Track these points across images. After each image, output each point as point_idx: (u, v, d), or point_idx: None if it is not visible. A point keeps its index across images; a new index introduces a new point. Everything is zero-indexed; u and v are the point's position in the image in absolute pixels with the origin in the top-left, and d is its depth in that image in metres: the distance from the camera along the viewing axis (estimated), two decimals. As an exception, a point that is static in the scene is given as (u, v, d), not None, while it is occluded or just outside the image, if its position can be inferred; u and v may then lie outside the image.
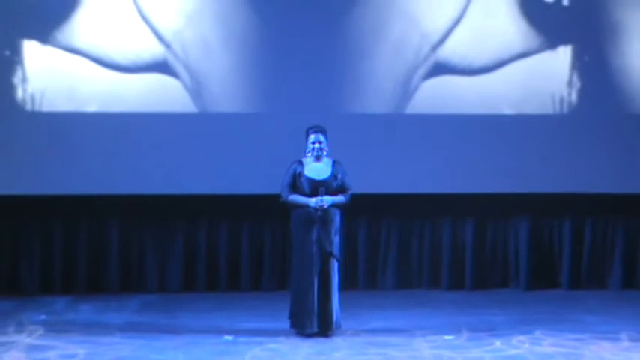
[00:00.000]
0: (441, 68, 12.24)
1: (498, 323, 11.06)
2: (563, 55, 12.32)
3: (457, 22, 12.21)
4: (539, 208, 12.58)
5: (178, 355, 9.85)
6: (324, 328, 10.32)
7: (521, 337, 10.46)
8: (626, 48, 12.35)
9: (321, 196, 10.23)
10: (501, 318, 11.29)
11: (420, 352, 10.04)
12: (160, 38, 12.00)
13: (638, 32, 12.35)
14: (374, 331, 10.68)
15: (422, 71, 12.21)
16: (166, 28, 12.03)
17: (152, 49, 12.06)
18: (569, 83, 12.29)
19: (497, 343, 10.32)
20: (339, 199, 10.33)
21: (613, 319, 11.22)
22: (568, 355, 9.99)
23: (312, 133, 10.37)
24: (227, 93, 12.18)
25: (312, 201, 10.22)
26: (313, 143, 10.32)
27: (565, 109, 12.31)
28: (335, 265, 10.41)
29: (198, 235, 12.50)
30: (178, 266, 12.49)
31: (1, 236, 12.28)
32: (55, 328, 10.78)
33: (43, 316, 11.18)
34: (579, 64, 12.31)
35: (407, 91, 12.21)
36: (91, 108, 11.96)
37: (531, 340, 10.41)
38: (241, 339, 10.37)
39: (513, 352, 10.06)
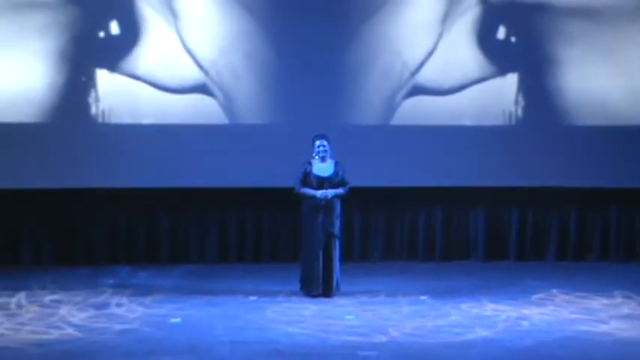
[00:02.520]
0: (418, 90, 12.27)
1: (462, 287, 11.20)
2: (511, 79, 12.38)
3: (430, 54, 12.25)
4: (493, 197, 12.63)
5: (214, 310, 10.03)
6: (327, 291, 10.55)
7: (481, 297, 10.59)
8: (560, 74, 12.39)
9: (325, 189, 10.47)
10: (465, 283, 11.40)
11: (401, 308, 10.20)
12: (200, 67, 12.07)
13: (568, 62, 12.35)
14: (366, 293, 10.80)
15: (403, 92, 12.27)
16: (204, 59, 12.08)
17: (194, 75, 12.10)
18: (516, 102, 12.37)
19: (464, 302, 10.43)
20: (340, 191, 10.52)
21: (551, 283, 11.26)
22: (517, 309, 10.11)
23: (317, 139, 10.54)
24: (251, 108, 12.25)
25: (319, 193, 10.44)
26: (318, 147, 10.50)
27: (513, 122, 12.39)
28: (336, 243, 10.63)
29: (229, 218, 12.53)
30: (214, 243, 12.54)
31: (78, 220, 12.22)
32: (120, 290, 10.89)
33: (111, 281, 11.30)
34: (523, 86, 12.37)
35: (391, 107, 12.30)
36: (147, 121, 12.04)
37: (489, 299, 10.54)
38: (263, 299, 10.53)
39: (475, 310, 10.16)
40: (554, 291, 10.95)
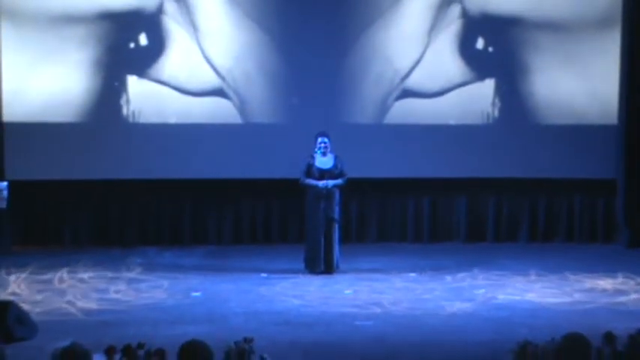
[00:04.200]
0: (407, 93, 12.20)
1: (447, 265, 11.19)
2: (488, 84, 12.32)
3: (418, 62, 12.18)
4: (473, 187, 12.56)
5: (230, 286, 10.14)
6: (328, 268, 10.61)
7: (463, 274, 10.67)
8: (531, 80, 12.33)
9: (326, 180, 10.53)
10: (449, 262, 11.37)
11: (394, 284, 10.33)
12: (218, 73, 12.02)
13: (538, 69, 12.28)
14: (362, 270, 10.88)
15: (394, 95, 12.21)
16: (221, 66, 12.01)
17: (212, 81, 12.03)
18: (493, 103, 12.32)
19: (448, 278, 10.53)
20: (339, 181, 10.59)
21: (523, 261, 11.32)
22: (494, 285, 10.22)
23: (319, 136, 10.61)
24: (261, 109, 12.20)
25: (320, 183, 10.51)
26: (320, 143, 10.57)
27: (490, 121, 12.35)
28: (336, 227, 10.70)
29: (242, 205, 12.44)
30: (229, 226, 12.43)
31: (111, 206, 12.19)
32: (148, 268, 10.96)
33: (140, 260, 11.31)
34: (499, 90, 12.32)
35: (384, 108, 12.24)
36: (172, 120, 12.00)
37: (470, 276, 10.63)
38: (273, 275, 10.59)
39: (457, 284, 10.28)
40: (526, 269, 10.94)
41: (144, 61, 11.93)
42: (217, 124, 12.09)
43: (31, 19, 11.65)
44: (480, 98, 12.32)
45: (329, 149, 10.64)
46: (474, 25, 12.22)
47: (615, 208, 12.59)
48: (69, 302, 9.45)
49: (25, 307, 8.72)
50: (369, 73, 12.20)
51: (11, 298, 9.03)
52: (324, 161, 10.65)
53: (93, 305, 9.41)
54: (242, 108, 12.14)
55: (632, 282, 10.37)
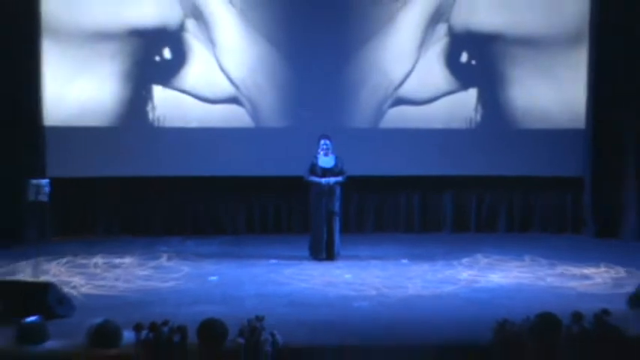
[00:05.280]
0: (400, 101, 12.20)
1: (436, 253, 11.19)
2: (471, 93, 12.30)
3: (409, 74, 12.18)
4: (459, 183, 12.57)
5: (243, 271, 10.13)
6: (330, 256, 10.61)
7: (449, 261, 10.66)
8: (509, 89, 12.34)
9: (328, 177, 10.53)
10: (437, 250, 11.37)
11: (388, 269, 10.26)
12: (233, 83, 12.01)
13: (515, 80, 12.29)
14: (360, 257, 10.87)
15: (389, 102, 12.20)
16: (236, 77, 12.01)
17: (228, 90, 12.03)
18: (476, 110, 12.32)
19: (435, 263, 10.50)
20: (339, 179, 10.57)
21: (502, 249, 11.30)
22: (481, 269, 10.25)
23: (322, 138, 10.62)
24: (271, 115, 12.18)
25: (323, 180, 10.50)
26: (323, 145, 10.58)
27: (473, 125, 12.35)
28: (336, 219, 10.69)
29: (254, 200, 12.43)
30: (243, 219, 12.44)
31: (139, 200, 12.21)
32: (172, 255, 10.94)
33: (165, 248, 11.29)
34: (481, 99, 12.31)
35: (379, 114, 12.23)
36: (193, 125, 11.98)
37: (457, 262, 10.61)
38: (281, 262, 10.58)
39: (444, 269, 10.25)
40: (505, 256, 10.96)
41: (168, 73, 11.93)
42: (232, 128, 12.07)
43: (70, 36, 11.66)
44: (463, 105, 12.31)
45: (330, 150, 10.63)
46: (459, 41, 12.20)
47: (583, 202, 12.56)
48: (102, 285, 9.46)
49: (64, 288, 8.73)
50: (366, 83, 12.18)
51: (52, 280, 9.00)
52: (326, 161, 10.64)
53: (123, 287, 9.44)
54: (254, 114, 12.12)
55: (596, 268, 10.35)
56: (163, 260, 10.71)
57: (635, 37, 12.01)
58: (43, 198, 10.10)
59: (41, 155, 11.59)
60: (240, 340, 7.17)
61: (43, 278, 9.32)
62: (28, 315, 7.42)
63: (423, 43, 12.15)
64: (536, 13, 12.18)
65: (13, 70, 11.42)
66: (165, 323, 7.26)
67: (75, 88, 11.74)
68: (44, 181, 10.18)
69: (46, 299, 8.25)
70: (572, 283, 9.71)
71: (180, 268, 10.31)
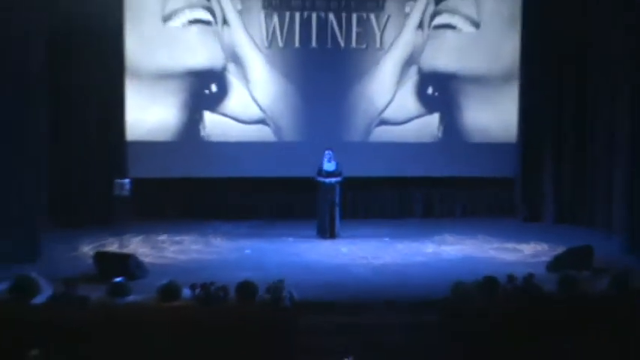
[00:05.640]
0: (383, 122, 12.08)
1: (410, 233, 11.07)
2: (435, 117, 12.14)
3: (390, 102, 12.08)
4: (425, 181, 12.40)
5: (269, 246, 10.20)
6: (332, 235, 10.65)
7: (420, 238, 10.69)
8: (463, 114, 12.23)
9: (330, 178, 10.59)
10: (411, 231, 11.24)
11: (375, 245, 10.32)
12: (261, 109, 11.92)
13: (467, 107, 12.18)
14: (354, 236, 10.83)
15: (375, 123, 12.10)
16: (264, 105, 11.91)
17: (257, 114, 11.92)
18: (438, 129, 12.18)
19: (409, 241, 10.52)
20: (339, 179, 10.64)
21: (457, 230, 11.25)
22: (440, 245, 10.31)
23: (326, 150, 10.68)
24: (289, 132, 12.06)
25: (327, 180, 10.58)
26: (327, 154, 10.65)
27: (436, 140, 12.22)
28: (337, 208, 10.73)
29: (277, 194, 12.17)
30: (269, 208, 12.18)
31: (194, 195, 11.99)
32: (217, 235, 10.90)
33: (212, 229, 11.20)
34: (442, 121, 12.16)
35: (368, 131, 12.12)
36: (232, 139, 11.85)
37: (425, 239, 10.64)
38: (297, 240, 10.62)
39: (416, 245, 10.29)
40: (459, 235, 10.97)
41: (214, 102, 11.86)
42: (260, 142, 11.99)
43: (145, 74, 11.62)
44: (429, 125, 12.21)
45: (332, 158, 10.67)
46: (426, 79, 12.14)
47: (515, 195, 12.50)
48: (167, 256, 9.58)
49: (141, 258, 8.87)
50: (358, 108, 12.10)
51: (132, 252, 9.17)
52: (329, 166, 10.68)
53: (183, 257, 9.57)
54: (276, 131, 12.06)
55: (526, 244, 10.37)
56: (211, 238, 10.73)
57: (553, 74, 11.98)
58: (126, 193, 10.22)
59: (124, 161, 11.48)
60: (267, 297, 7.23)
61: (126, 250, 9.46)
62: (117, 276, 7.49)
63: (400, 80, 12.10)
64: (480, 58, 12.10)
65: (105, 99, 11.41)
66: (212, 284, 7.31)
67: (149, 113, 11.67)
68: (126, 181, 10.33)
69: (128, 265, 8.38)
70: (508, 255, 9.82)
71: (223, 243, 10.39)
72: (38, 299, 7.06)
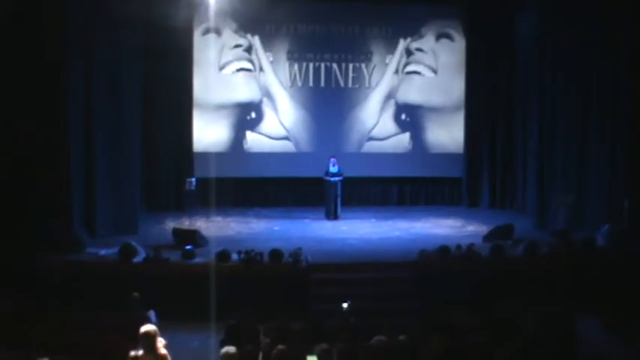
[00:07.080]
0: (371, 138, 11.94)
1: (390, 216, 10.73)
2: (407, 135, 12.03)
3: (375, 124, 11.98)
4: (400, 180, 12.13)
5: (291, 225, 10.12)
6: (335, 217, 10.52)
7: (396, 220, 10.44)
8: (426, 133, 12.06)
9: (334, 178, 10.49)
10: (391, 215, 10.95)
11: (364, 224, 10.15)
12: (285, 129, 11.82)
13: (429, 128, 11.98)
14: (351, 218, 10.68)
15: (365, 138, 11.96)
16: (288, 126, 11.78)
17: (283, 133, 11.79)
18: (409, 143, 12.04)
19: (388, 221, 10.32)
20: (340, 178, 10.54)
21: (421, 215, 10.98)
22: (410, 223, 10.20)
23: (331, 157, 10.61)
24: (305, 145, 11.88)
25: (332, 179, 10.48)
26: (331, 160, 10.56)
27: (408, 152, 12.07)
28: (339, 199, 10.61)
29: (296, 189, 11.88)
30: (291, 198, 11.84)
31: (237, 189, 11.48)
32: (255, 216, 10.64)
33: (252, 213, 10.92)
34: (412, 138, 12.03)
35: (360, 145, 11.96)
36: (266, 150, 11.73)
37: (400, 220, 10.46)
38: (311, 221, 10.45)
39: (393, 224, 10.09)
40: (422, 218, 10.82)
41: (253, 124, 11.74)
42: (285, 152, 11.86)
43: (206, 107, 11.56)
44: (403, 141, 12.08)
45: (336, 163, 10.62)
46: (400, 109, 12.02)
47: (462, 188, 12.31)
48: (222, 231, 9.59)
49: (203, 232, 8.90)
50: (353, 129, 11.96)
51: (197, 228, 9.17)
52: (333, 169, 10.61)
53: (231, 232, 9.61)
54: (296, 145, 11.93)
55: (469, 224, 10.29)
56: (251, 219, 10.66)
57: (488, 105, 11.93)
58: (193, 188, 10.31)
59: (192, 165, 11.32)
60: (289, 260, 7.32)
61: (193, 227, 9.41)
62: (187, 245, 7.58)
63: (382, 109, 12.00)
64: (438, 95, 11.98)
65: (179, 123, 11.46)
66: (252, 250, 7.43)
67: (208, 132, 11.53)
68: (193, 179, 10.41)
69: (195, 237, 8.48)
70: (456, 231, 9.80)
71: (259, 223, 10.33)
72: (136, 259, 7.45)
